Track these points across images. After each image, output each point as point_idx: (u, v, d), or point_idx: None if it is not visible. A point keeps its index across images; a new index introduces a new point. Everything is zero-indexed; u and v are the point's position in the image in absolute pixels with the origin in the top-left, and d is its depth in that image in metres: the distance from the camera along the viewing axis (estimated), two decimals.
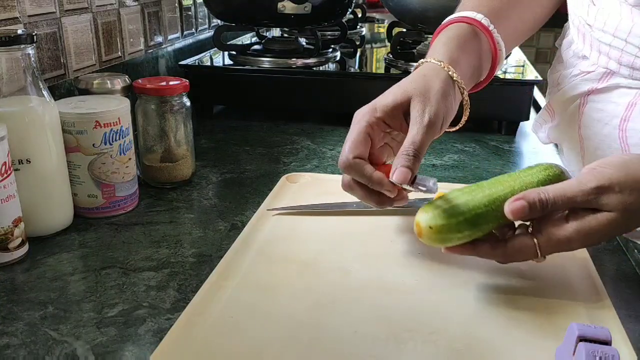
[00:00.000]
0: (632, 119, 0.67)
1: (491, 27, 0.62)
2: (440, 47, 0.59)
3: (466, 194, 0.48)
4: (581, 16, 0.73)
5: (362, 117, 0.54)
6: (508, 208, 0.45)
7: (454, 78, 0.56)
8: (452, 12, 0.72)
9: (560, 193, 0.44)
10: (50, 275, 0.56)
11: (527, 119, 0.99)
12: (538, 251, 0.46)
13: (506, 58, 0.96)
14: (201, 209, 0.71)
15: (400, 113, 0.54)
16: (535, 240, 0.46)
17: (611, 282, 0.55)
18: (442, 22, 0.64)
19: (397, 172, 0.50)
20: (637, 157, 0.45)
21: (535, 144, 0.94)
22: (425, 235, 0.48)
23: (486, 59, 0.63)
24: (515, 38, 0.71)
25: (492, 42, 0.62)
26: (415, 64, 1.02)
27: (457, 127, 0.61)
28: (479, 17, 0.62)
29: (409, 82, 0.56)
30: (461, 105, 0.59)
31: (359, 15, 1.56)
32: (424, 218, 0.48)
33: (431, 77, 0.55)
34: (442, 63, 0.56)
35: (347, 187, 0.55)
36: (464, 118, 0.60)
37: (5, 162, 0.55)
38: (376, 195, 0.53)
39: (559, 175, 0.49)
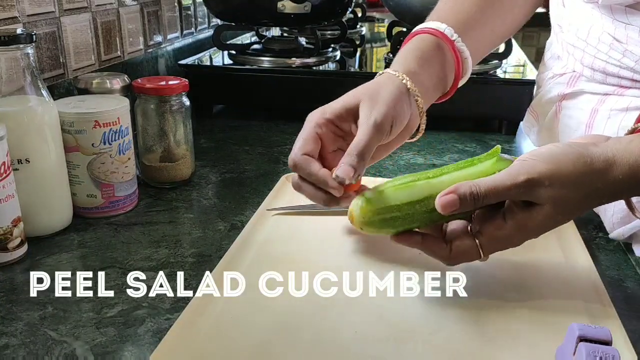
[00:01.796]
0: (595, 126, 0.68)
1: (454, 38, 0.61)
2: (400, 59, 0.60)
3: (405, 189, 0.49)
4: (555, 17, 0.74)
5: (311, 118, 0.55)
6: (439, 202, 0.46)
7: (408, 86, 0.56)
8: None
9: (491, 186, 0.45)
10: (50, 276, 0.55)
11: None
12: (480, 251, 0.47)
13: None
14: (201, 208, 0.71)
15: (350, 116, 0.55)
16: (477, 241, 0.47)
17: (611, 282, 0.55)
18: (411, 32, 0.64)
19: (340, 169, 0.50)
20: (566, 149, 0.46)
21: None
22: (358, 227, 0.50)
23: (450, 70, 0.63)
24: (487, 45, 0.70)
25: (455, 53, 0.61)
26: None
27: (416, 138, 0.60)
28: (442, 27, 0.61)
29: (360, 88, 0.57)
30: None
31: (359, 15, 1.56)
32: (357, 212, 0.49)
33: (384, 84, 0.56)
34: (397, 72, 0.57)
35: (295, 186, 0.55)
36: (422, 127, 0.60)
37: (4, 162, 0.55)
38: (323, 193, 0.53)
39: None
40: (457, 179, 0.48)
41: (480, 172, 0.49)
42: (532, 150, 0.47)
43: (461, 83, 0.64)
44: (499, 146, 0.50)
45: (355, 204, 0.50)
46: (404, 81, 0.56)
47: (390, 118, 0.53)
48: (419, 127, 0.59)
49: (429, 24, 0.62)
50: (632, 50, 0.62)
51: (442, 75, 0.62)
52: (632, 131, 0.50)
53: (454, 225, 0.50)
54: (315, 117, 0.55)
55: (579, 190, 0.45)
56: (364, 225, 0.50)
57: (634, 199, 0.50)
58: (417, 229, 0.50)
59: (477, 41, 0.65)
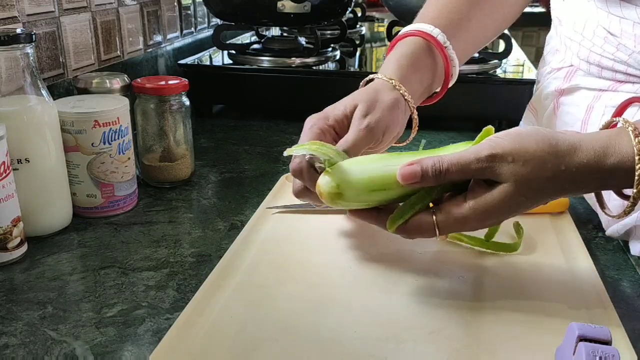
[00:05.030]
0: (591, 123, 0.68)
1: (446, 44, 0.61)
2: (393, 64, 0.60)
3: (374, 161, 0.47)
4: (555, 10, 0.74)
5: (314, 123, 0.54)
6: (400, 172, 0.45)
7: (405, 97, 0.57)
8: None
9: (454, 161, 0.44)
10: (49, 275, 0.55)
11: None
12: (436, 229, 0.46)
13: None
14: (200, 208, 0.71)
15: (349, 122, 0.55)
16: (434, 217, 0.46)
17: (611, 282, 0.55)
18: (400, 32, 0.63)
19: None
20: (533, 131, 0.45)
21: None
22: (327, 198, 0.47)
23: (439, 75, 0.63)
24: (475, 45, 0.70)
25: (446, 60, 0.61)
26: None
27: (405, 143, 0.62)
28: (435, 32, 0.60)
29: (359, 93, 0.57)
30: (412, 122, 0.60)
31: (359, 15, 1.56)
32: (328, 201, 0.47)
33: (382, 91, 0.56)
34: (393, 81, 0.57)
35: (299, 193, 0.54)
36: (413, 134, 0.61)
37: (4, 162, 0.55)
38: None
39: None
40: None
41: (445, 150, 0.48)
42: (499, 132, 0.46)
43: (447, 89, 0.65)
44: (491, 127, 0.48)
45: (328, 193, 0.47)
46: (401, 91, 0.57)
47: (384, 125, 0.54)
48: (410, 131, 0.60)
49: (419, 25, 0.62)
50: (626, 44, 0.63)
51: (430, 81, 0.62)
52: (608, 125, 0.50)
53: None
54: (319, 124, 0.54)
55: (542, 171, 0.44)
56: (331, 205, 0.48)
57: (605, 195, 0.49)
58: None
59: (466, 42, 0.65)
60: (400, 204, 0.48)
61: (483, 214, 0.45)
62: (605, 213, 0.49)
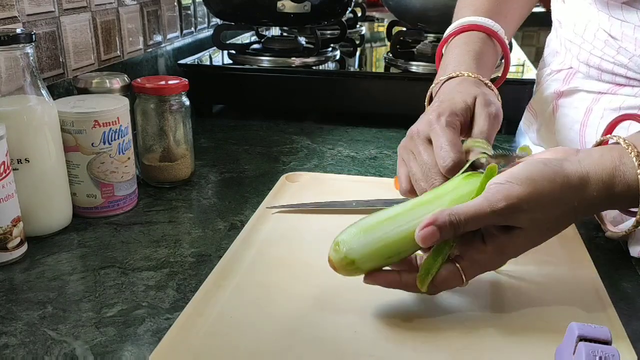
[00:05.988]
0: (589, 125, 0.68)
1: (503, 35, 0.66)
2: (471, 61, 0.62)
3: (381, 224, 0.46)
4: (555, 12, 0.75)
5: (449, 120, 0.54)
6: (419, 235, 0.44)
7: (495, 91, 0.60)
8: (452, 11, 0.72)
9: (471, 214, 0.44)
10: (49, 275, 0.55)
11: None
12: (463, 277, 0.46)
13: None
14: (200, 208, 0.71)
15: (469, 114, 0.56)
16: (458, 265, 0.46)
17: (611, 282, 0.55)
18: (454, 26, 0.66)
19: (473, 154, 0.52)
20: (542, 170, 0.45)
21: None
22: (343, 272, 0.47)
23: (497, 63, 0.68)
24: (511, 35, 0.74)
25: (504, 49, 0.67)
26: (415, 63, 1.04)
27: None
28: (496, 27, 0.65)
29: (468, 86, 0.58)
30: None
31: (359, 14, 1.56)
32: (342, 272, 0.46)
33: (482, 85, 0.59)
34: (479, 77, 0.60)
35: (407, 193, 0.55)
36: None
37: (4, 162, 0.55)
38: None
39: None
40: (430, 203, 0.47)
41: (450, 191, 0.48)
42: (507, 171, 0.46)
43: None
44: (495, 165, 0.48)
45: (344, 269, 0.46)
46: (489, 85, 0.60)
47: (501, 113, 0.57)
48: None
49: (480, 20, 0.66)
50: (626, 47, 0.63)
51: (492, 71, 0.66)
52: (600, 143, 0.51)
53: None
54: (453, 120, 0.54)
55: (556, 209, 0.45)
56: (347, 270, 0.47)
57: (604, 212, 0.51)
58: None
59: (506, 31, 0.69)
60: (417, 258, 0.49)
61: (504, 254, 0.47)
62: (608, 229, 0.50)
